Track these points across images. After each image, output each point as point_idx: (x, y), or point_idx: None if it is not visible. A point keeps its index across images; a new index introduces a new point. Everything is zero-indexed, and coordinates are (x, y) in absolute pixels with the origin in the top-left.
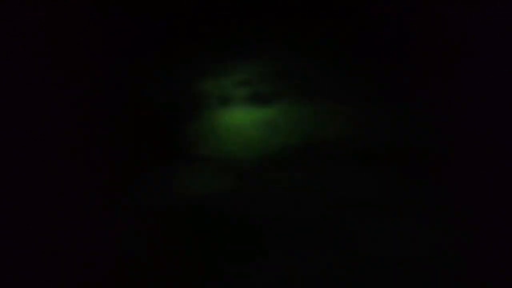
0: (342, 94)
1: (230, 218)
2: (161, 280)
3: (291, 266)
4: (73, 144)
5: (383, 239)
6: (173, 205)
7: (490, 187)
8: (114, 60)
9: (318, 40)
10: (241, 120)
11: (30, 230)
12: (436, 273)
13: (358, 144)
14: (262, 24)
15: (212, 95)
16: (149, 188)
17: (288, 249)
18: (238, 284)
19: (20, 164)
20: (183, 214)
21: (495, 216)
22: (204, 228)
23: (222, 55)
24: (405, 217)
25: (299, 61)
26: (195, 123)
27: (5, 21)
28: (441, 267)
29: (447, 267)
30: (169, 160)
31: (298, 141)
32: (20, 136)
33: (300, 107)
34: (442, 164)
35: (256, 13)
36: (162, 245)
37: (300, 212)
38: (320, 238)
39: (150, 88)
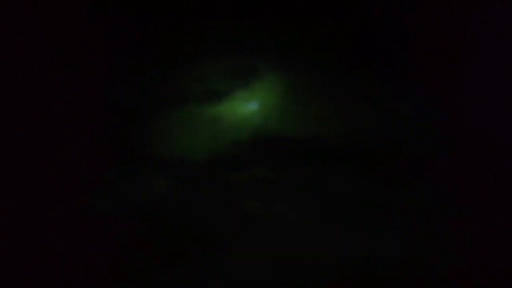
0: (341, 94)
1: (178, 219)
2: (98, 280)
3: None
4: (65, 143)
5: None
6: (120, 206)
7: (490, 187)
8: (114, 60)
9: (318, 40)
10: (231, 114)
11: None
12: (435, 273)
13: (334, 143)
14: (262, 24)
15: (195, 94)
16: (98, 190)
17: (230, 252)
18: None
19: (17, 163)
20: (129, 215)
21: (495, 216)
22: (148, 229)
23: (220, 54)
24: (403, 218)
25: (300, 61)
26: (167, 122)
27: (5, 21)
28: (440, 267)
29: (446, 267)
30: (121, 161)
31: (267, 139)
32: (19, 136)
33: (297, 107)
34: (442, 164)
35: (256, 13)
36: (104, 246)
37: (243, 213)
38: (267, 241)
39: (136, 88)
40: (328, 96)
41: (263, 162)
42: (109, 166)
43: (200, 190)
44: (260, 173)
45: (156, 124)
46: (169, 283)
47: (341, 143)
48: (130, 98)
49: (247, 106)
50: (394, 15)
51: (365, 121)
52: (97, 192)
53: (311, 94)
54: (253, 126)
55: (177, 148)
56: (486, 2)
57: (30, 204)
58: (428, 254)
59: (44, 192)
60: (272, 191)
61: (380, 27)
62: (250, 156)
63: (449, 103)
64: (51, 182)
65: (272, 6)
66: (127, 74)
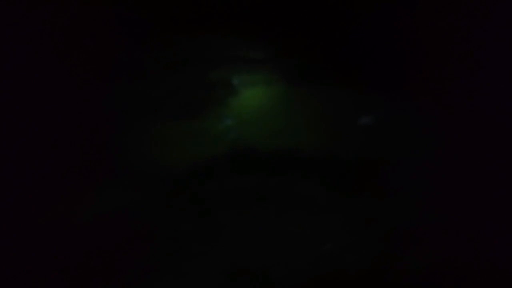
0: (330, 103)
1: (156, 233)
2: None
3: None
4: (62, 145)
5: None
6: (98, 220)
7: (490, 187)
8: (114, 61)
9: (318, 40)
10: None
11: None
12: (434, 274)
13: (321, 154)
14: (262, 24)
15: (184, 97)
16: (77, 202)
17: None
18: None
19: (11, 165)
20: (108, 228)
21: (495, 217)
22: (123, 243)
23: (219, 55)
24: (401, 224)
25: (299, 61)
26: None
27: (5, 21)
28: (439, 269)
29: (445, 269)
30: (99, 174)
31: (246, 152)
32: (19, 136)
33: (289, 109)
34: (442, 167)
35: (256, 14)
36: (84, 259)
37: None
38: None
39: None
40: (327, 95)
41: (244, 174)
42: (97, 173)
43: (176, 202)
44: (242, 185)
45: (141, 134)
46: None
47: (330, 154)
48: (126, 103)
49: (225, 121)
50: (394, 15)
51: (352, 131)
52: (83, 199)
53: (303, 104)
54: (232, 140)
55: (159, 159)
56: (484, 4)
57: (28, 204)
58: (426, 258)
59: (33, 196)
60: (251, 202)
61: (372, 35)
62: (231, 168)
63: (449, 103)
64: (38, 186)
65: (272, 6)
66: (127, 74)
